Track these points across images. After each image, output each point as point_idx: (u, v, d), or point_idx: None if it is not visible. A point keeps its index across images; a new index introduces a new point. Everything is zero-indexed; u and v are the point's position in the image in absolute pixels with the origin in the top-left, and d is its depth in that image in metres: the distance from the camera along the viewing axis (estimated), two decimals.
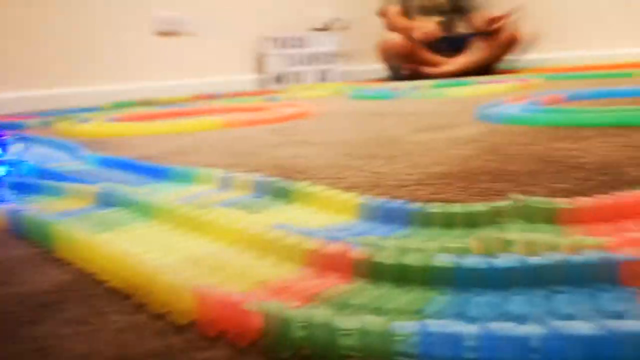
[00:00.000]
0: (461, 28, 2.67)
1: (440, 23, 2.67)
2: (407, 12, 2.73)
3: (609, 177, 0.56)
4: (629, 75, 1.87)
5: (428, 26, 2.58)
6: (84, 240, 0.40)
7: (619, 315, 0.26)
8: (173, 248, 0.40)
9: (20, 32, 2.41)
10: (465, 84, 2.05)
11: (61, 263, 0.42)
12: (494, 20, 2.49)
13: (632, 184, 0.53)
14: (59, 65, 2.49)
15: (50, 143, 1.02)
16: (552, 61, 2.72)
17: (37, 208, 0.54)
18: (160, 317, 0.31)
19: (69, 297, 0.35)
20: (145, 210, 0.49)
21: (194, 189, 0.59)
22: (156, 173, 0.67)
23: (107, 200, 0.53)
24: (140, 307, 0.33)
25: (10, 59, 2.39)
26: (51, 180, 0.64)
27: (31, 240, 0.48)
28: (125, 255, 0.36)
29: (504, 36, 2.50)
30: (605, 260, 0.30)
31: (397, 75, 2.74)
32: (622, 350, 0.22)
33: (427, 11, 2.73)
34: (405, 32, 2.64)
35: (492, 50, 2.53)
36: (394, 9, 2.72)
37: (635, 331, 0.22)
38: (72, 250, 0.41)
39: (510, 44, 2.53)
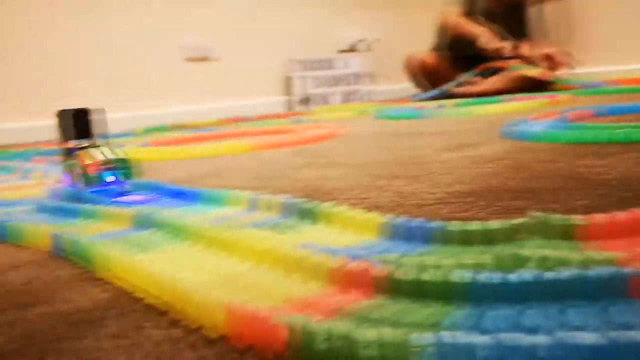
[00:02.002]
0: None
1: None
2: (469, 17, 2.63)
3: (631, 194, 0.57)
4: None
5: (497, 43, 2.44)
6: (122, 260, 0.43)
7: (627, 327, 0.27)
8: (205, 267, 0.43)
9: (57, 59, 2.51)
10: (491, 102, 2.06)
11: (101, 282, 0.44)
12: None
13: None
14: (95, 91, 2.58)
15: None
16: (600, 75, 2.68)
17: (77, 231, 0.57)
18: (193, 331, 0.34)
19: (109, 314, 0.38)
20: (178, 232, 0.51)
21: (223, 210, 0.62)
22: (188, 196, 0.69)
23: (142, 223, 0.56)
24: (175, 323, 0.35)
25: (43, 86, 2.48)
26: (87, 204, 0.68)
27: (72, 261, 0.51)
28: (161, 274, 0.38)
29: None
30: (615, 275, 0.31)
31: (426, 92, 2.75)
32: (625, 358, 0.23)
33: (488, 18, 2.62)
34: (472, 37, 2.51)
35: (520, 82, 2.46)
36: (455, 16, 2.60)
37: (637, 340, 0.23)
38: (111, 270, 0.44)
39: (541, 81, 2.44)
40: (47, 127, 2.31)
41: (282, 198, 0.58)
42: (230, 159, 1.16)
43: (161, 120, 2.66)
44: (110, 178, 0.75)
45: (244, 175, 0.92)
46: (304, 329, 0.29)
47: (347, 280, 0.36)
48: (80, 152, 0.78)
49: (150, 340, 0.33)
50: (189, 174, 1.00)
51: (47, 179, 0.91)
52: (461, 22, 2.56)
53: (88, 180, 0.75)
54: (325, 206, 0.53)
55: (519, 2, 2.65)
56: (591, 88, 2.17)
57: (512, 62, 2.44)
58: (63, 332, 0.35)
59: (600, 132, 0.91)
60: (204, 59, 2.84)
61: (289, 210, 0.56)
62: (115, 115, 2.61)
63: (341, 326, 0.28)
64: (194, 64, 2.81)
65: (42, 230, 0.56)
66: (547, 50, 2.45)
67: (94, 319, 0.37)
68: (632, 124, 0.92)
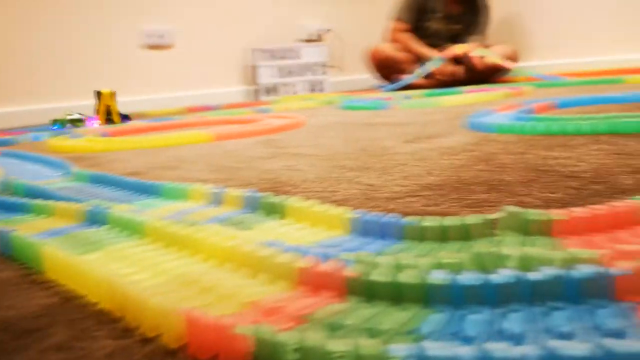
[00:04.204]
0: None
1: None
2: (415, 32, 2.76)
3: (603, 186, 0.56)
4: (620, 81, 1.88)
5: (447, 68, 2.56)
6: (72, 261, 0.39)
7: (617, 333, 0.26)
8: (163, 268, 0.40)
9: (14, 48, 2.41)
10: (456, 93, 2.05)
11: (49, 285, 0.41)
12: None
13: (626, 192, 0.52)
14: (50, 80, 2.49)
15: (39, 160, 1.01)
16: (545, 68, 2.74)
17: (24, 228, 0.53)
18: (149, 340, 0.31)
19: (56, 321, 0.34)
20: (135, 228, 0.48)
21: (184, 205, 0.59)
22: (146, 189, 0.66)
23: (95, 218, 0.53)
24: (129, 331, 0.32)
25: (1, 73, 2.38)
26: (39, 198, 0.64)
27: (18, 261, 0.47)
28: (114, 276, 0.35)
29: (479, 67, 2.52)
30: (600, 275, 0.29)
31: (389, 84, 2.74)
32: None
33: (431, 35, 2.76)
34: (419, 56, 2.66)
35: (474, 74, 2.54)
36: (404, 34, 2.72)
37: (633, 351, 0.22)
38: (60, 271, 0.41)
39: (488, 72, 2.55)
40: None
41: (247, 191, 0.56)
42: (193, 149, 1.12)
43: (121, 109, 2.58)
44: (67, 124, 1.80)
45: (207, 166, 0.89)
46: (271, 340, 0.26)
47: (317, 281, 0.34)
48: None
49: (102, 352, 0.30)
50: (149, 165, 0.96)
51: None
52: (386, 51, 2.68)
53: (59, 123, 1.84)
54: (293, 200, 0.50)
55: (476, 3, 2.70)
56: (550, 80, 2.19)
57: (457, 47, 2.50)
58: (5, 343, 0.32)
59: (568, 123, 0.90)
60: (165, 46, 2.76)
61: (254, 205, 0.54)
62: (74, 104, 2.52)
63: (312, 336, 0.26)
64: (154, 52, 2.74)
65: None
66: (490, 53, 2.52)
67: (39, 327, 0.34)
68: (596, 115, 0.91)
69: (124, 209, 0.54)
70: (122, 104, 2.60)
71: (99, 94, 1.93)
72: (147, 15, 2.70)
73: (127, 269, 0.40)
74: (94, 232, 0.50)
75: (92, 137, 1.37)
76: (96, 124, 1.87)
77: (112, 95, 1.95)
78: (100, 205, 0.55)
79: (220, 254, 0.40)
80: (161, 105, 2.69)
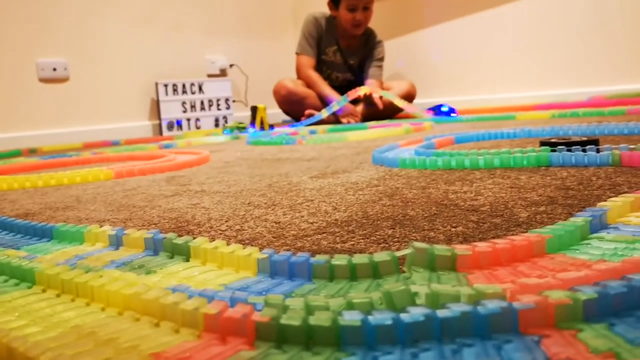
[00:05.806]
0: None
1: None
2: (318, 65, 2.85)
3: (500, 220, 0.58)
4: (512, 117, 2.00)
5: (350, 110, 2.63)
6: None
7: None
8: (57, 319, 0.37)
9: None
10: (360, 128, 2.11)
11: None
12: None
13: (522, 225, 0.55)
14: None
15: None
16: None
17: None
18: None
19: None
20: (24, 276, 0.44)
21: (79, 249, 0.55)
22: (37, 232, 0.61)
23: None
24: None
25: None
26: None
27: None
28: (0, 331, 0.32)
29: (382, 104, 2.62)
30: (505, 310, 0.30)
31: (296, 119, 2.77)
32: None
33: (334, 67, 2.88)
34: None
35: (377, 110, 2.63)
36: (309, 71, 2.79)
37: None
38: None
39: (391, 109, 2.66)
40: None
41: (148, 232, 0.53)
42: (89, 188, 1.06)
43: (14, 145, 2.43)
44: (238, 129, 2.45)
45: (106, 205, 0.85)
46: None
47: (225, 327, 0.32)
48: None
49: None
50: (41, 205, 0.90)
51: None
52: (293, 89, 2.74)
53: (229, 129, 2.45)
54: (199, 241, 0.49)
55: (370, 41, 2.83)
56: (447, 116, 2.30)
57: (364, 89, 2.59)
58: None
59: (465, 158, 0.95)
60: (62, 79, 2.64)
61: (157, 246, 0.51)
62: None
63: None
64: (51, 85, 2.61)
65: None
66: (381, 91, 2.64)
67: None
68: (490, 150, 0.96)
69: (11, 254, 0.49)
70: (15, 140, 2.45)
71: (255, 108, 2.53)
72: (41, 48, 2.58)
73: (14, 322, 0.36)
74: None
75: None
76: (253, 130, 2.45)
77: (264, 109, 2.54)
78: None
79: (120, 302, 0.37)
80: (57, 141, 2.56)
